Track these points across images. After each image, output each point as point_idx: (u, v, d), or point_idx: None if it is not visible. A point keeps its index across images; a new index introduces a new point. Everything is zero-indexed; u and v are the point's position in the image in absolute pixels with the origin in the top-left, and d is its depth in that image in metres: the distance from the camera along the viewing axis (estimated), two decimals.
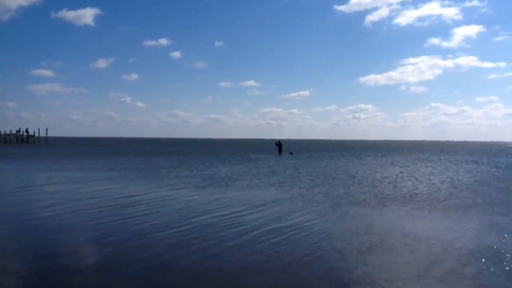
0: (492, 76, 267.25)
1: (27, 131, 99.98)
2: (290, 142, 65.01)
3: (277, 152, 55.57)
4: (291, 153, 55.96)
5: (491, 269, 7.69)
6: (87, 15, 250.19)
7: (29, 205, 14.39)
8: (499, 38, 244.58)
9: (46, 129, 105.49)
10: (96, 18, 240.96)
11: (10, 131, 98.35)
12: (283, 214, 12.86)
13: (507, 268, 7.82)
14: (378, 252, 8.79)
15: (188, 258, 8.26)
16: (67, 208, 13.71)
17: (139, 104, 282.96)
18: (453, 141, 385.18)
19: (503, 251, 8.94)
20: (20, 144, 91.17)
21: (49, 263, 7.88)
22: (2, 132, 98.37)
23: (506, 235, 10.33)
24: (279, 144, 56.48)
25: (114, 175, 24.66)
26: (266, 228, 10.81)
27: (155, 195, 16.73)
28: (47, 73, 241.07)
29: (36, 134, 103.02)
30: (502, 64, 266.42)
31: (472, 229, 11.09)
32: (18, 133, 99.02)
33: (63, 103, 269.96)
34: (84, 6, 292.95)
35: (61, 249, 8.86)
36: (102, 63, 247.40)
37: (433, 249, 9.01)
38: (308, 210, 13.71)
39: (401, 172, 28.81)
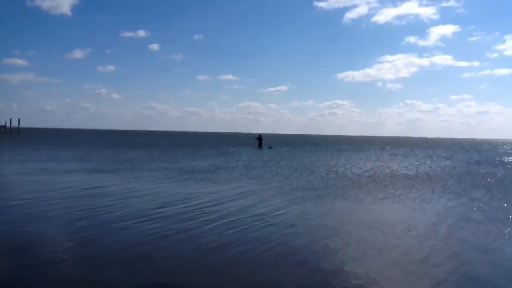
0: (466, 75, 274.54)
1: None
2: (267, 136, 65.45)
3: (258, 145, 55.82)
4: (269, 147, 56.23)
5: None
6: (64, 4, 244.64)
7: None
8: (474, 38, 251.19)
9: (18, 120, 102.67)
10: (73, 8, 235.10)
11: None
12: (261, 204, 13.08)
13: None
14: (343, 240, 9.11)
15: (159, 247, 8.40)
16: (39, 198, 13.59)
17: (115, 95, 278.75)
18: (426, 137, 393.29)
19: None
20: None
21: (24, 254, 7.87)
22: None
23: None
24: (259, 138, 56.53)
25: (91, 167, 24.40)
26: (236, 218, 11.02)
27: (129, 186, 16.69)
28: (20, 62, 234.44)
29: (8, 125, 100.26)
30: (475, 64, 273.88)
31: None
32: None
33: (36, 93, 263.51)
34: None
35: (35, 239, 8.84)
36: (78, 54, 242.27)
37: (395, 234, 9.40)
38: (281, 200, 13.97)
39: (380, 166, 29.44)
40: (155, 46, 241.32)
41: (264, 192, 16.04)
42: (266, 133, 54.50)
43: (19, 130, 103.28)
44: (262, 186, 17.62)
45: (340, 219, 11.43)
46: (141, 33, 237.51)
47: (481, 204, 14.36)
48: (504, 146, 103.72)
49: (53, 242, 8.64)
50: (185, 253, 7.98)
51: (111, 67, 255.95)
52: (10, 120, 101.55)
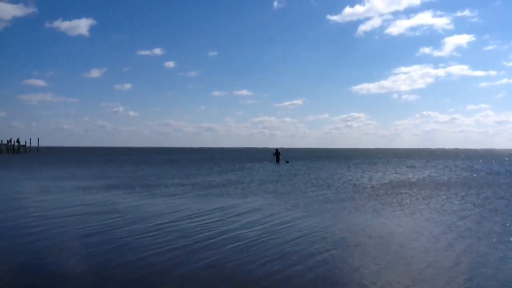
0: (483, 84, 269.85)
1: (18, 141, 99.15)
2: (283, 150, 65.35)
3: (275, 160, 55.76)
4: (287, 162, 55.91)
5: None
6: (82, 25, 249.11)
7: (15, 212, 14.18)
8: (489, 47, 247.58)
9: (38, 139, 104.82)
10: (91, 28, 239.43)
11: (1, 141, 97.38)
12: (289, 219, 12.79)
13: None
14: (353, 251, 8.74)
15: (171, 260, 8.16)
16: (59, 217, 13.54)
17: (131, 113, 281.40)
18: (444, 148, 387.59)
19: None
20: (11, 154, 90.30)
21: (37, 271, 7.74)
22: None
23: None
24: (276, 152, 56.56)
25: (109, 183, 24.44)
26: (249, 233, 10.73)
27: (145, 202, 16.59)
28: (39, 82, 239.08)
29: (28, 144, 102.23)
30: (492, 73, 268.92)
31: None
32: (9, 143, 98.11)
33: (54, 113, 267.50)
34: (79, 17, 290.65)
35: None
36: (95, 73, 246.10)
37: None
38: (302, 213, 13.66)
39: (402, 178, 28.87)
40: (170, 64, 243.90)
41: (281, 205, 15.74)
42: (281, 147, 54.37)
43: (38, 149, 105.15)
44: (278, 200, 17.32)
45: (352, 230, 11.05)
46: (157, 51, 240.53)
47: (503, 216, 13.81)
48: None
49: (62, 256, 8.52)
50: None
51: (127, 85, 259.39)
52: (30, 139, 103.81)
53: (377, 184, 24.95)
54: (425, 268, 7.89)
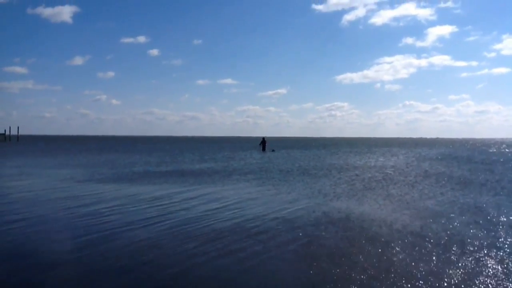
0: (464, 74, 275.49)
1: None
2: (268, 139, 65.14)
3: (261, 149, 56.69)
4: (273, 150, 56.22)
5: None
6: (65, 12, 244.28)
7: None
8: (471, 38, 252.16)
9: (18, 127, 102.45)
10: (74, 15, 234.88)
11: None
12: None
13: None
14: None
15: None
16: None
17: (114, 101, 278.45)
18: (426, 137, 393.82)
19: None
20: None
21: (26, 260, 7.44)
22: None
23: None
24: (263, 141, 57.89)
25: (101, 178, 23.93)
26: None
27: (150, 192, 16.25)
28: (20, 70, 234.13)
29: (7, 132, 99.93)
30: (474, 63, 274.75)
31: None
32: None
33: (36, 101, 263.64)
34: (62, 3, 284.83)
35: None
36: (78, 61, 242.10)
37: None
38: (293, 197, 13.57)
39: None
40: (154, 52, 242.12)
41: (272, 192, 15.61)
42: (265, 136, 54.31)
43: (18, 138, 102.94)
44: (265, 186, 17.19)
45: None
46: (141, 38, 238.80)
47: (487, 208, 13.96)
48: (504, 145, 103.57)
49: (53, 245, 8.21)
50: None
51: (111, 73, 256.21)
52: (10, 128, 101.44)
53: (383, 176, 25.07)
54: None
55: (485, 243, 8.66)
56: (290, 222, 10.61)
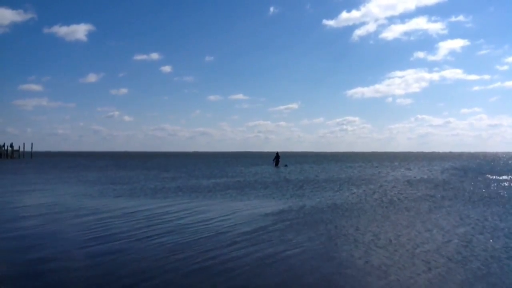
0: (476, 88, 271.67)
1: (11, 145, 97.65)
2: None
3: (274, 164, 56.52)
4: (286, 165, 55.80)
5: None
6: (80, 30, 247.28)
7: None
8: (483, 52, 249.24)
9: (31, 144, 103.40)
10: (89, 33, 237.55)
11: None
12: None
13: None
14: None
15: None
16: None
17: (126, 118, 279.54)
18: (438, 152, 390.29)
19: None
20: (4, 159, 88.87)
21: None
22: None
23: None
24: (276, 156, 57.69)
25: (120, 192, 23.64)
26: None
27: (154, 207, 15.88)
28: (34, 87, 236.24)
29: (21, 149, 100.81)
30: (486, 77, 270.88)
31: None
32: (2, 148, 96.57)
33: (49, 118, 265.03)
34: (78, 22, 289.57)
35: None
36: (92, 78, 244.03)
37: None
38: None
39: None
40: (167, 68, 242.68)
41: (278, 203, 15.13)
42: (276, 151, 54.34)
43: (31, 154, 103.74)
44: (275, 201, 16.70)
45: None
46: (154, 55, 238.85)
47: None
48: None
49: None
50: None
51: (123, 90, 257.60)
52: (23, 144, 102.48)
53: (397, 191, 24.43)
54: None
55: None
56: None
